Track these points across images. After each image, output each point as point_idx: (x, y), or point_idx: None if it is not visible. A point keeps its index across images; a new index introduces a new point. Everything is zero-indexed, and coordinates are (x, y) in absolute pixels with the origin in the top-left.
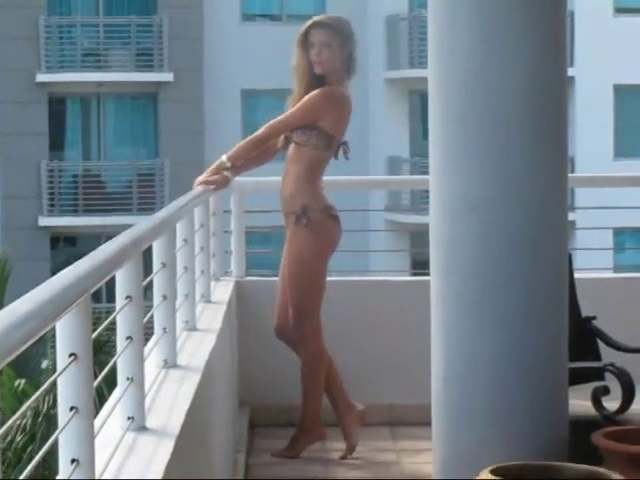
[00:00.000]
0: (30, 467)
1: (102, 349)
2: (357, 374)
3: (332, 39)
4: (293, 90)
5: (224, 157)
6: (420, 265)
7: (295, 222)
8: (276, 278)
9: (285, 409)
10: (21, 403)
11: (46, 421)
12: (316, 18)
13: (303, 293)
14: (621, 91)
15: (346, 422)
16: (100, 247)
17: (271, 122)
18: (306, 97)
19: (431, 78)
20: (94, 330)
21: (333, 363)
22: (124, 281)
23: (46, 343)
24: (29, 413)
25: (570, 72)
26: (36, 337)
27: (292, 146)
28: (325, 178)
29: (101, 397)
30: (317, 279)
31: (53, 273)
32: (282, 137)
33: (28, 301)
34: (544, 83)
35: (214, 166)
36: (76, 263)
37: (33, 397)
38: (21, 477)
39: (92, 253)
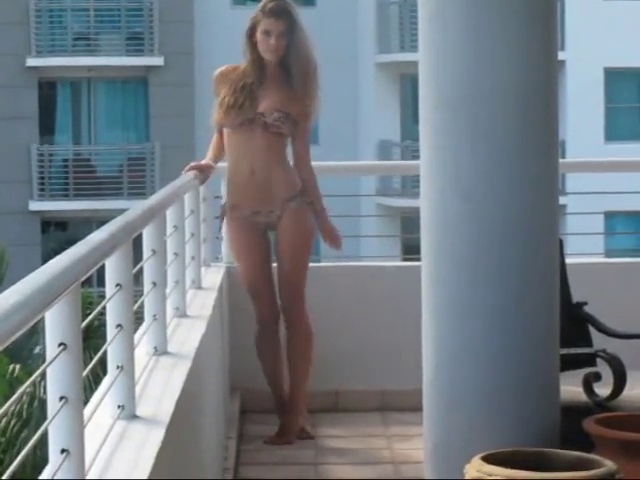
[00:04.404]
0: (20, 458)
1: (96, 333)
2: (348, 360)
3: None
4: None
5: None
6: (412, 250)
7: (298, 205)
8: None
9: None
10: (14, 388)
11: (41, 406)
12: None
13: (303, 275)
14: (612, 74)
15: None
16: (89, 236)
17: (306, 154)
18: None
19: (422, 63)
20: (85, 318)
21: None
22: (114, 269)
23: (39, 328)
24: (24, 398)
25: (561, 56)
26: (25, 328)
27: (259, 134)
28: (316, 164)
29: (97, 380)
30: (309, 260)
31: (44, 258)
32: (240, 118)
33: (17, 292)
34: (535, 68)
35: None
36: (65, 252)
37: (22, 388)
38: (11, 467)
39: (81, 242)
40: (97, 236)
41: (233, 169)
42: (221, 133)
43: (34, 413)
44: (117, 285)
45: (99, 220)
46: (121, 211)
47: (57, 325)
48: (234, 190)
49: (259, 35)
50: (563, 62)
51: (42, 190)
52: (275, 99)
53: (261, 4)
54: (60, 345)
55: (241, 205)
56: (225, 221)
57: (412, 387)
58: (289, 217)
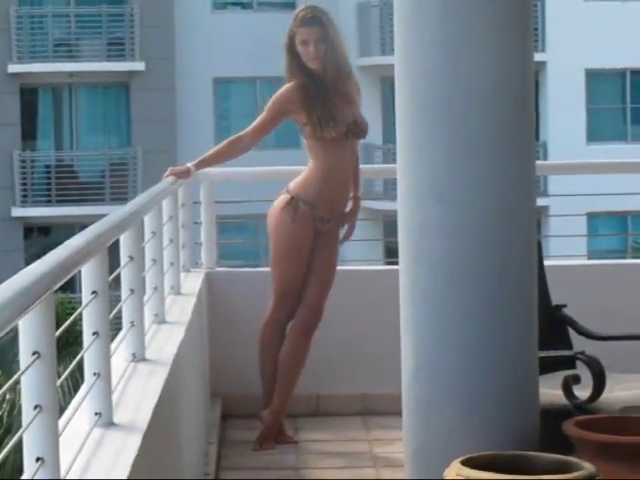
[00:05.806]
0: None
1: (77, 340)
2: (329, 363)
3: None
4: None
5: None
6: (394, 253)
7: (343, 219)
8: (249, 269)
9: (257, 399)
10: None
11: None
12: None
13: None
14: (593, 76)
15: None
16: (64, 243)
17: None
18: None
19: (397, 66)
20: (62, 325)
21: None
22: (89, 276)
23: None
24: (5, 405)
25: (542, 57)
26: None
27: (355, 143)
28: (298, 168)
29: (77, 387)
30: None
31: (27, 264)
32: (343, 129)
33: None
34: (510, 70)
35: None
36: (39, 260)
37: None
38: None
39: (55, 250)
40: (72, 244)
41: (328, 175)
42: (239, 138)
43: (15, 420)
44: (93, 292)
45: (82, 226)
46: (104, 216)
47: (30, 334)
48: (321, 191)
49: (299, 47)
50: (544, 63)
51: (24, 196)
52: (349, 105)
53: (293, 15)
54: (34, 354)
55: (317, 206)
56: (287, 213)
57: (393, 391)
58: (336, 229)
